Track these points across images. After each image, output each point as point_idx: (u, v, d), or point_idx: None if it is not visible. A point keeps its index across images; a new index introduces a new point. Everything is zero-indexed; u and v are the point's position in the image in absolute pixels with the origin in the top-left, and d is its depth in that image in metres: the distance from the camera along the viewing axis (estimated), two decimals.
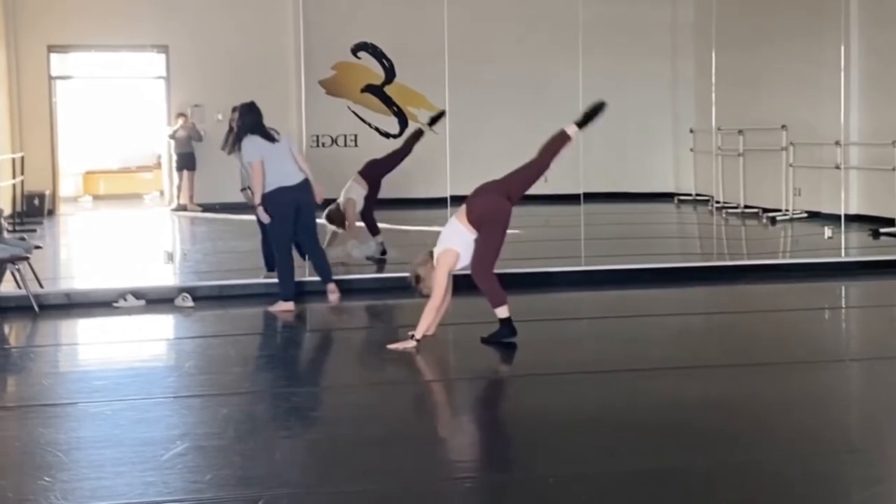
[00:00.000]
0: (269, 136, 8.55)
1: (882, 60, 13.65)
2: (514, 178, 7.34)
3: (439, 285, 7.11)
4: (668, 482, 4.67)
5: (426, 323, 7.14)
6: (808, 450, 5.12)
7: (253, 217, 9.02)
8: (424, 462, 4.96)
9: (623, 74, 16.48)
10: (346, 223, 10.74)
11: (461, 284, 7.30)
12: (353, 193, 10.82)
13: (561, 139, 7.40)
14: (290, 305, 8.65)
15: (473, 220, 7.13)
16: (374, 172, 11.10)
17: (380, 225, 11.14)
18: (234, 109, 9.17)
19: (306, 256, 9.26)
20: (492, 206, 7.18)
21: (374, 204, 11.09)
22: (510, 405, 6.37)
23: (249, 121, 8.60)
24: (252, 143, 8.53)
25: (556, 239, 12.02)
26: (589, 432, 5.54)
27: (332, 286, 8.95)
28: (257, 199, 8.54)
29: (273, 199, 8.51)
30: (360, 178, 10.98)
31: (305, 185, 8.61)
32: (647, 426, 5.54)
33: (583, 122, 7.51)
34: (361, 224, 11.01)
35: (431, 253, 7.20)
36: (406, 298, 9.08)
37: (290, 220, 8.61)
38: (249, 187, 8.94)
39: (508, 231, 7.29)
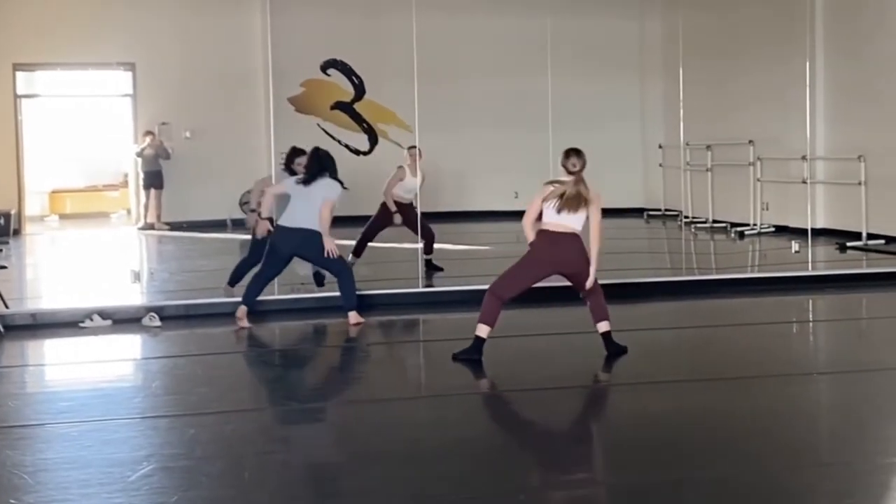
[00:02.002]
0: (304, 180, 8.79)
1: (847, 76, 13.80)
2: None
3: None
4: (635, 498, 4.66)
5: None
6: (777, 464, 5.12)
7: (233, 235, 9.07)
8: (398, 483, 4.92)
9: (592, 90, 16.59)
10: None
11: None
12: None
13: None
14: (243, 311, 8.75)
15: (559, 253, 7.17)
16: None
17: (345, 242, 11.00)
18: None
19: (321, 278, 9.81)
20: (577, 259, 7.23)
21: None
22: (478, 421, 6.36)
23: (314, 169, 8.83)
24: (286, 179, 9.14)
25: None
26: (554, 446, 5.53)
27: (352, 315, 8.78)
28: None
29: (274, 233, 8.92)
30: None
31: (301, 232, 8.65)
32: (613, 441, 5.55)
33: None
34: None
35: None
36: (387, 315, 9.08)
37: (276, 260, 8.87)
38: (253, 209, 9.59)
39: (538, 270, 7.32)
